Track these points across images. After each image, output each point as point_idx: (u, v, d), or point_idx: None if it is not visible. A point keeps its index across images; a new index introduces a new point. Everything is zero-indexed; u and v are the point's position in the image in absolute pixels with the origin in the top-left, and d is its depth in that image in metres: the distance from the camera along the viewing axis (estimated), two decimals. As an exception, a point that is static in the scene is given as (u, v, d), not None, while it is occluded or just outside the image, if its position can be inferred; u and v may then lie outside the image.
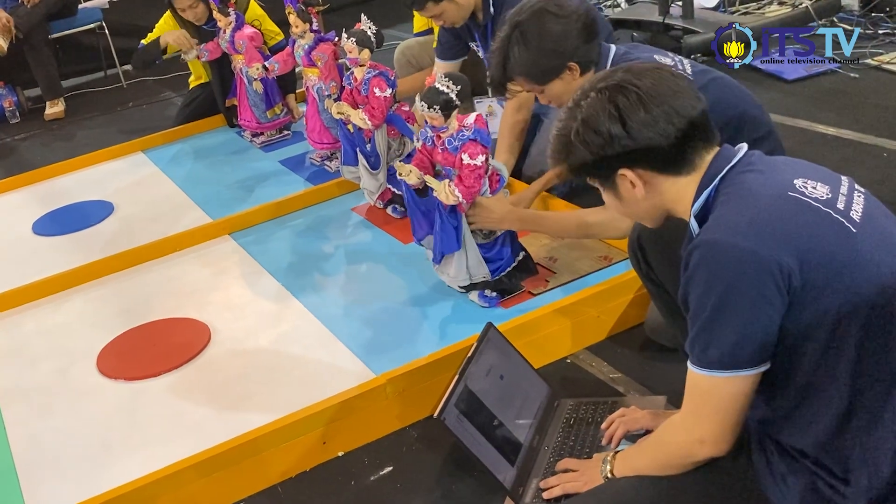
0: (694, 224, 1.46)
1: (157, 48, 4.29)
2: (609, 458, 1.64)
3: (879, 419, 1.34)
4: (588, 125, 1.46)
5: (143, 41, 4.38)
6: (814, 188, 1.39)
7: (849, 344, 1.33)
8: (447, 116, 2.30)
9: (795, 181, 1.39)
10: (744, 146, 1.49)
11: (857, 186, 1.45)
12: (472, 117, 2.32)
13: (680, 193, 1.47)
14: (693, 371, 1.41)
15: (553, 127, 1.56)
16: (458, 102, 2.29)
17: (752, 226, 1.34)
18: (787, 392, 1.39)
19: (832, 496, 1.37)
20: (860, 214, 1.38)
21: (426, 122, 2.38)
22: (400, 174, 2.44)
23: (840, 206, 1.37)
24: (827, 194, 1.38)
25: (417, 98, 2.31)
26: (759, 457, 1.47)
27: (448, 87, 2.27)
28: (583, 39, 2.25)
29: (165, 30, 4.31)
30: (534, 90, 2.35)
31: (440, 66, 3.41)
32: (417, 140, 2.50)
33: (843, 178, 1.45)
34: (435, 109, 2.28)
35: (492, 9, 3.11)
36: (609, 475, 1.62)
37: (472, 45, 3.33)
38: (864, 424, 1.35)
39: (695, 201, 1.45)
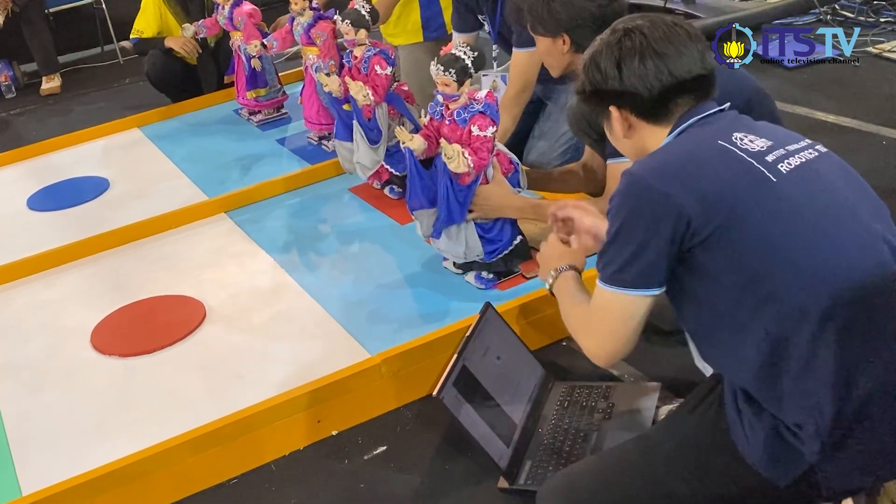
0: None
1: (158, 42, 4.42)
2: (563, 269, 1.76)
3: (810, 365, 1.35)
4: (594, 59, 1.57)
5: (137, 35, 4.44)
6: (751, 142, 1.45)
7: (762, 286, 1.37)
8: (460, 83, 2.30)
9: (735, 134, 1.46)
10: (727, 105, 1.55)
11: (818, 147, 1.50)
12: (483, 92, 2.33)
13: (655, 141, 1.55)
14: (597, 284, 1.52)
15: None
16: (473, 71, 2.29)
17: (665, 167, 1.44)
18: (722, 334, 1.45)
19: (792, 440, 1.38)
20: (795, 167, 1.42)
21: (436, 93, 2.37)
22: (403, 142, 2.41)
23: (769, 158, 1.43)
24: (761, 147, 1.44)
25: (433, 63, 2.31)
26: (730, 404, 1.47)
27: (465, 53, 2.27)
28: (590, 23, 2.25)
29: (153, 11, 4.28)
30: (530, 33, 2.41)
31: (457, 39, 3.36)
32: (426, 115, 2.48)
33: (805, 140, 1.51)
34: (450, 73, 2.28)
35: None
36: (549, 288, 1.78)
37: (481, 17, 3.27)
38: (794, 370, 1.36)
39: None
